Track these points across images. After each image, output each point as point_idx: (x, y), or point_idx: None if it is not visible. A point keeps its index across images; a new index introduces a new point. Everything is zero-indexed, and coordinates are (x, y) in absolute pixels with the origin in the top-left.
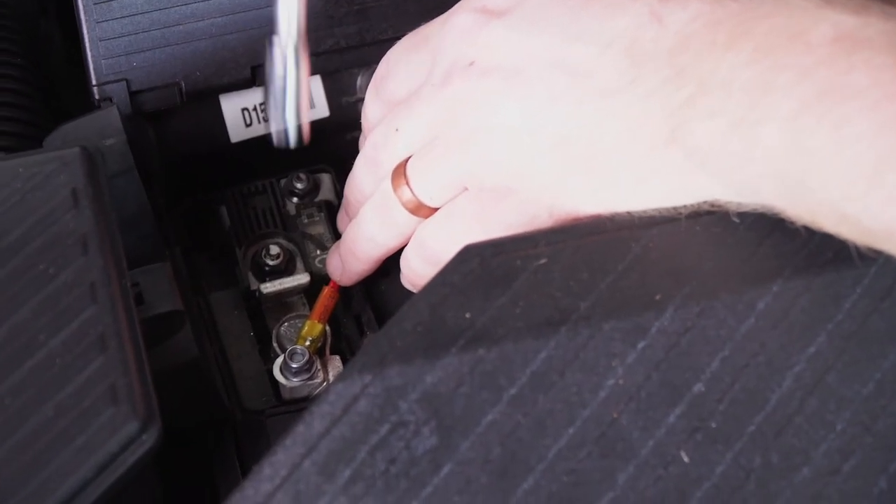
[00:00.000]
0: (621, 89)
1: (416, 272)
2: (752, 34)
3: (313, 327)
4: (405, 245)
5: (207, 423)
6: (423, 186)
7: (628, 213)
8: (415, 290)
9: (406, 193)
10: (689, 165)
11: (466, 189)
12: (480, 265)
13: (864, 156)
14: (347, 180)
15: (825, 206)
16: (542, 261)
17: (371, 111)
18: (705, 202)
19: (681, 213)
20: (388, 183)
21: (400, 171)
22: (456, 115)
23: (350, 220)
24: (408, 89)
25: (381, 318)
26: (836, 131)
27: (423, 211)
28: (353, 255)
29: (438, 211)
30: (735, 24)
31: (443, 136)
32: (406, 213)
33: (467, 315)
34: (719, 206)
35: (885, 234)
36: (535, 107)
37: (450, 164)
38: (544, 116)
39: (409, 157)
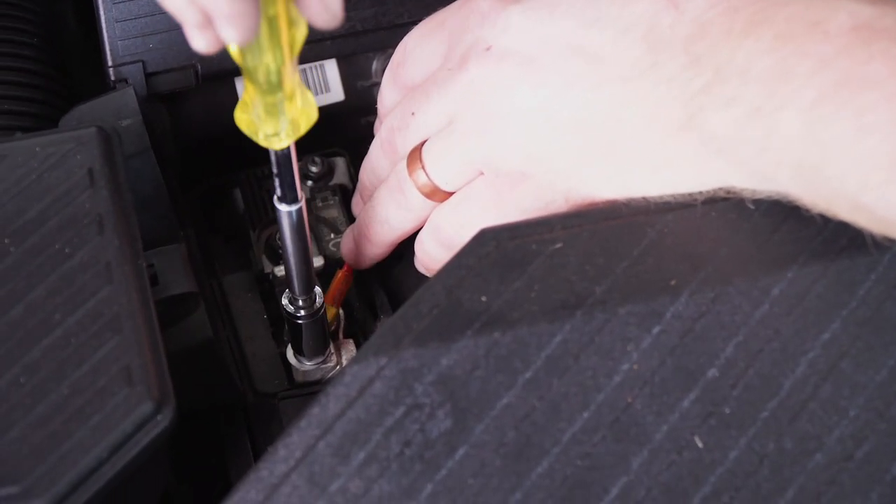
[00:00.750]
0: (638, 75)
1: (431, 256)
2: (769, 22)
3: (327, 311)
4: (419, 229)
5: (220, 405)
6: (439, 170)
7: (644, 198)
8: (429, 275)
9: (422, 177)
10: (704, 152)
11: (482, 174)
12: (496, 248)
13: (882, 145)
14: (363, 164)
15: (841, 195)
16: (558, 245)
17: (387, 96)
18: (721, 189)
19: (696, 200)
20: (403, 166)
21: (416, 155)
22: (472, 99)
23: (365, 203)
24: (424, 74)
25: (395, 302)
26: (855, 121)
27: (438, 195)
28: (367, 239)
29: (454, 195)
30: (753, 12)
31: (459, 120)
32: (421, 196)
33: (483, 298)
34: (735, 192)
35: None
36: (551, 91)
37: (465, 149)
38: (560, 101)
39: (425, 141)
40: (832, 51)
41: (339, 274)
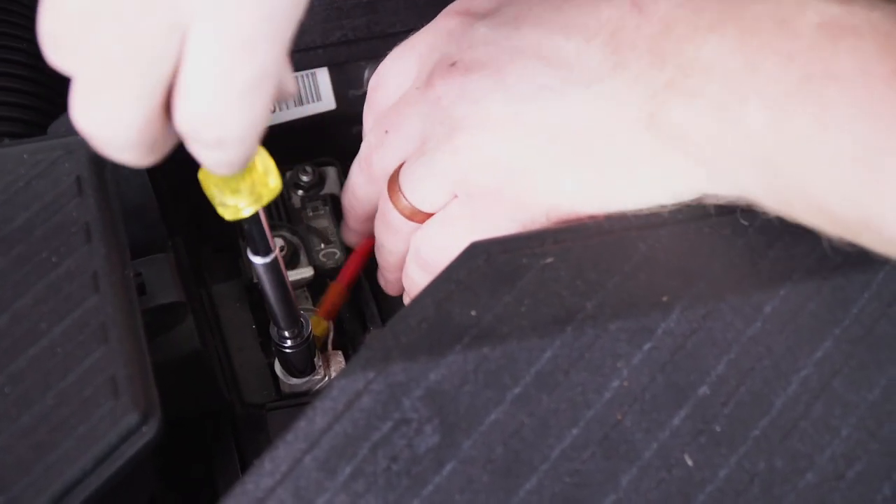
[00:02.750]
0: (603, 76)
1: (413, 281)
2: (735, 20)
3: (318, 324)
4: None
5: (207, 415)
6: (416, 192)
7: (622, 213)
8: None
9: (401, 200)
10: (669, 151)
11: (457, 193)
12: (487, 262)
13: (845, 141)
14: (344, 185)
15: (802, 195)
16: (549, 259)
17: (366, 122)
18: (692, 197)
19: (668, 212)
20: (385, 192)
21: (394, 179)
22: (440, 115)
23: (350, 228)
24: (397, 97)
25: (385, 314)
26: (820, 116)
27: (419, 217)
28: (379, 268)
29: (433, 217)
30: (719, 10)
31: (429, 138)
32: (404, 219)
33: (472, 312)
34: (702, 200)
35: (860, 224)
36: (519, 99)
37: (438, 168)
38: (528, 108)
39: (403, 164)
40: (798, 47)
41: (333, 287)
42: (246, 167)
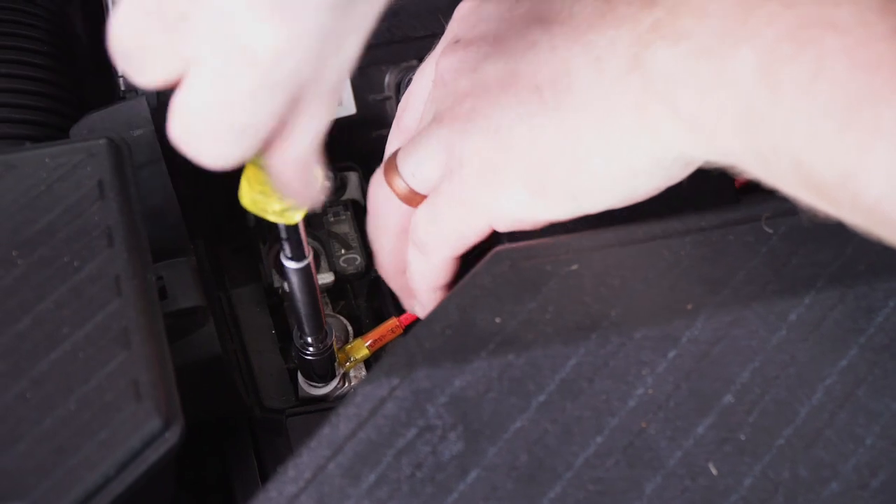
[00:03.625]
0: (591, 25)
1: (414, 270)
2: None
3: (360, 349)
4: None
5: (225, 420)
6: (411, 167)
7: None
8: (412, 310)
9: (399, 183)
10: (651, 99)
11: (449, 169)
12: (511, 268)
13: (837, 92)
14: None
15: (784, 151)
16: (574, 266)
17: (390, 146)
18: (669, 160)
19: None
20: (385, 186)
21: (392, 162)
22: (443, 90)
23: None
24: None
25: None
26: (813, 64)
27: (416, 200)
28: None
29: (428, 197)
30: None
31: (428, 119)
32: (401, 203)
33: (497, 319)
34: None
35: (838, 185)
36: (510, 57)
37: (433, 137)
38: (519, 64)
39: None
40: None
41: (390, 323)
42: None
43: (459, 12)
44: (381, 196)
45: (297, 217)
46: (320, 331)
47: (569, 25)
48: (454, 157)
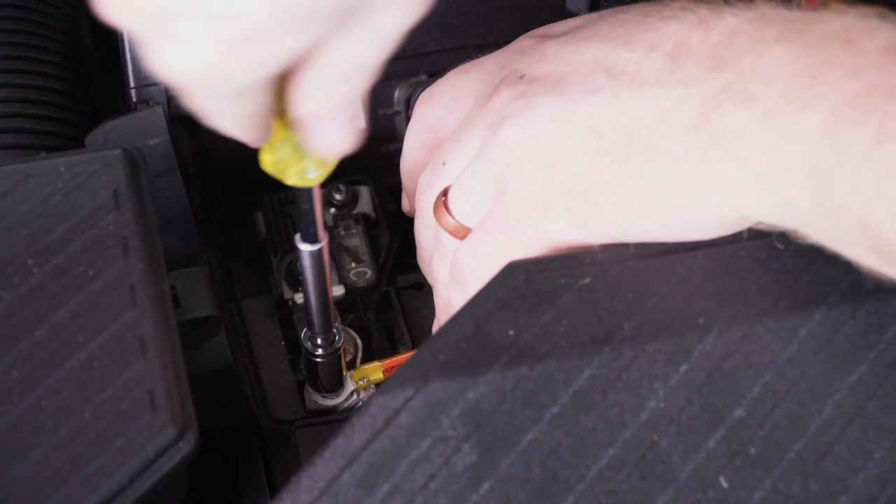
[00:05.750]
0: (659, 81)
1: (445, 301)
2: (803, 34)
3: (376, 372)
4: None
5: (234, 430)
6: (459, 202)
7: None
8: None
9: (448, 219)
10: (713, 152)
11: (496, 198)
12: (525, 281)
13: None
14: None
15: (849, 211)
16: (587, 279)
17: (411, 145)
18: (732, 218)
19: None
20: (432, 214)
21: (440, 199)
22: (497, 123)
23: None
24: (451, 108)
25: (415, 334)
26: (878, 128)
27: (465, 233)
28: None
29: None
30: (787, 25)
31: (482, 148)
32: (453, 239)
33: (511, 332)
34: (745, 221)
35: None
36: (570, 99)
37: (483, 170)
38: (578, 107)
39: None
40: (864, 64)
41: (410, 355)
42: None
43: (522, 45)
44: (429, 235)
45: (315, 177)
46: (329, 329)
47: (635, 78)
48: (499, 186)
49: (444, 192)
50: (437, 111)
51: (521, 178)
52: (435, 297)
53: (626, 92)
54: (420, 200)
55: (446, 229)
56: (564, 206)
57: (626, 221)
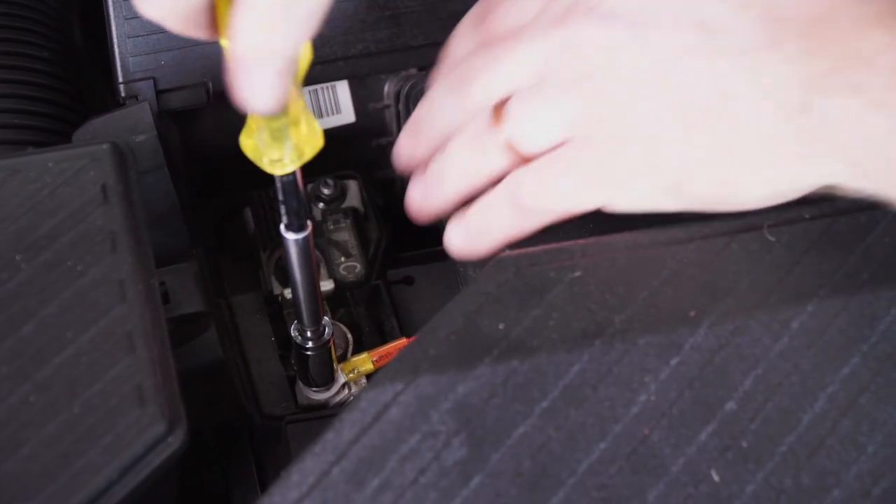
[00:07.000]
0: (758, 50)
1: (495, 221)
2: None
3: (366, 363)
4: (484, 190)
5: (225, 426)
6: (526, 130)
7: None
8: (471, 253)
9: (505, 135)
10: (815, 138)
11: (571, 140)
12: (515, 275)
13: None
14: (421, 104)
15: None
16: (578, 273)
17: (460, 46)
18: (815, 188)
19: (709, 229)
20: (485, 120)
21: (500, 111)
22: (571, 56)
23: (414, 139)
24: (512, 26)
25: (405, 327)
26: None
27: (520, 155)
28: (439, 187)
29: (541, 158)
30: (884, 6)
31: (552, 77)
32: (503, 155)
33: (501, 326)
34: (832, 190)
35: None
36: (662, 59)
37: (559, 109)
38: (671, 70)
39: (510, 97)
40: None
41: (399, 343)
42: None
43: None
44: (455, 113)
45: (290, 167)
46: (319, 321)
47: (728, 39)
48: (582, 133)
49: (503, 104)
50: (498, 24)
51: (608, 137)
52: (444, 164)
53: (721, 58)
54: (460, 73)
55: (500, 142)
56: (648, 174)
57: (708, 194)
